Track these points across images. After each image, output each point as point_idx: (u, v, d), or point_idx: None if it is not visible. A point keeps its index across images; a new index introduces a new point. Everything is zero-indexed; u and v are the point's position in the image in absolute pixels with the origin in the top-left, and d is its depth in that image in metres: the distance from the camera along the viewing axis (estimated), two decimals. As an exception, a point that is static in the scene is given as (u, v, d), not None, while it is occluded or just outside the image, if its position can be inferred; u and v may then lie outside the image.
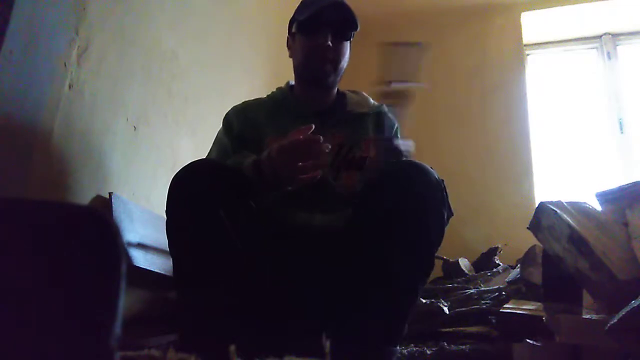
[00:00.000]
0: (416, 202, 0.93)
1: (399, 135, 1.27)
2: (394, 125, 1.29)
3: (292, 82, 1.34)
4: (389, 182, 0.97)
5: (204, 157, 1.25)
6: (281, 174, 0.97)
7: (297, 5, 1.27)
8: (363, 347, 0.91)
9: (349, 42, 1.24)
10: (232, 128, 1.24)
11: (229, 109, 1.31)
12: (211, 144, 1.29)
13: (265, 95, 1.35)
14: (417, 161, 1.01)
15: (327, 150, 0.95)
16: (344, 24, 1.21)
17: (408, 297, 0.98)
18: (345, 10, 1.19)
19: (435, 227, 0.96)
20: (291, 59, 1.29)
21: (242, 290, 0.94)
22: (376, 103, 1.31)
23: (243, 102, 1.32)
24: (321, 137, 0.95)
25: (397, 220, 0.93)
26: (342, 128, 1.22)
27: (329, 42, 1.17)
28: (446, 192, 0.98)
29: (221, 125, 1.28)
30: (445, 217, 0.98)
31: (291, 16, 1.27)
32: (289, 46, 1.30)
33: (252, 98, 1.36)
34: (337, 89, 1.33)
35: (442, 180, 0.98)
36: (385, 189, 0.96)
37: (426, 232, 0.95)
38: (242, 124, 1.24)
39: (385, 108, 1.30)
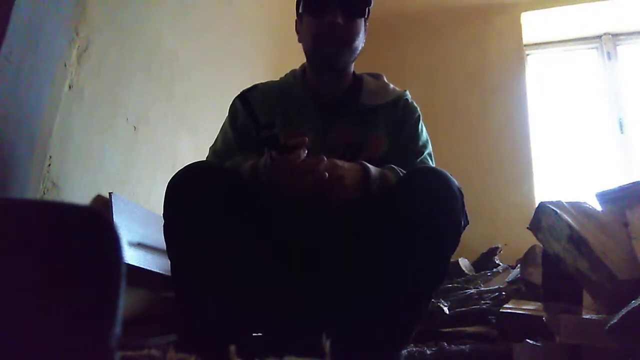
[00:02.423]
0: (435, 210, 0.91)
1: (420, 126, 1.19)
2: (414, 114, 1.18)
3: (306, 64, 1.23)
4: (408, 188, 0.95)
5: (210, 146, 1.23)
6: (276, 186, 0.96)
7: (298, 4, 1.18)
8: (371, 351, 0.91)
9: (363, 19, 1.13)
10: (237, 118, 1.18)
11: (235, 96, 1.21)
12: (217, 134, 1.25)
13: (277, 77, 1.26)
14: (437, 168, 0.98)
15: (322, 167, 0.91)
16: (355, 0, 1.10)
17: (420, 304, 0.97)
18: None
19: (452, 236, 0.95)
20: (300, 48, 1.19)
21: (241, 291, 0.93)
22: (397, 89, 1.20)
23: (252, 86, 1.23)
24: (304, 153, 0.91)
25: (414, 228, 0.91)
26: (351, 123, 1.13)
27: (339, 20, 1.06)
28: (463, 202, 0.96)
29: (228, 113, 1.22)
30: (462, 225, 0.96)
31: None
32: (297, 30, 1.18)
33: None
34: (354, 73, 1.22)
35: (460, 189, 0.96)
36: (404, 195, 0.94)
37: (443, 241, 0.94)
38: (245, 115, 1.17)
39: (407, 95, 1.20)
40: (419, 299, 0.96)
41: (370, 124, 1.14)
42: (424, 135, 1.20)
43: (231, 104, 1.22)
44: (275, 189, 0.96)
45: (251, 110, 0.93)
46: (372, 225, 0.97)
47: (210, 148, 1.23)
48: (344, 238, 1.02)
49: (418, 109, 1.21)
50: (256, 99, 1.16)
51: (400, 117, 1.17)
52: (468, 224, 0.99)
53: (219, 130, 1.25)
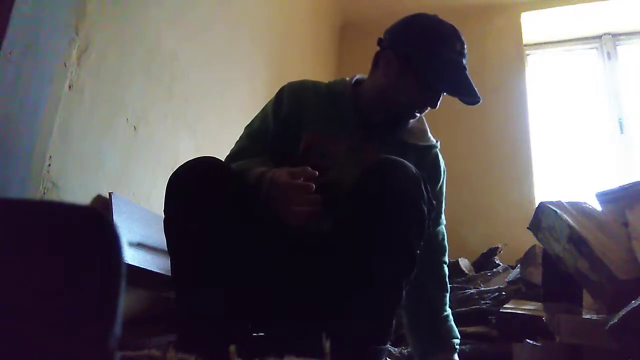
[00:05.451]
0: (393, 197, 0.92)
1: (444, 182, 1.24)
2: (441, 168, 1.24)
3: (359, 77, 1.26)
4: (365, 179, 0.96)
5: (246, 125, 1.25)
6: (273, 207, 0.96)
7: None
8: (350, 347, 0.90)
9: None
10: (281, 108, 1.19)
11: (286, 83, 1.24)
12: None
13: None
14: (392, 157, 0.99)
15: (318, 202, 0.92)
16: (465, 101, 1.20)
17: (391, 295, 0.96)
18: (475, 93, 1.18)
19: (414, 221, 0.95)
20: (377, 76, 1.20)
21: (241, 290, 0.93)
22: (432, 137, 1.24)
23: (301, 81, 1.25)
24: (314, 185, 0.92)
25: (375, 218, 0.92)
26: (384, 149, 1.14)
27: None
28: (426, 186, 0.97)
29: (273, 97, 1.22)
30: (426, 211, 0.96)
31: (416, 41, 1.18)
32: (391, 66, 1.16)
33: (310, 79, 1.29)
34: None
35: (421, 175, 0.97)
36: (363, 187, 0.95)
37: (405, 228, 0.94)
38: (292, 106, 1.18)
39: (438, 146, 1.24)
40: (388, 290, 0.95)
41: (401, 157, 1.16)
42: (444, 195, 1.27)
43: (279, 90, 1.23)
44: (270, 207, 0.96)
45: None
46: (339, 220, 0.99)
47: (245, 127, 1.24)
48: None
49: (444, 166, 1.26)
50: (309, 96, 1.20)
51: (429, 168, 1.20)
52: (433, 207, 1.01)
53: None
